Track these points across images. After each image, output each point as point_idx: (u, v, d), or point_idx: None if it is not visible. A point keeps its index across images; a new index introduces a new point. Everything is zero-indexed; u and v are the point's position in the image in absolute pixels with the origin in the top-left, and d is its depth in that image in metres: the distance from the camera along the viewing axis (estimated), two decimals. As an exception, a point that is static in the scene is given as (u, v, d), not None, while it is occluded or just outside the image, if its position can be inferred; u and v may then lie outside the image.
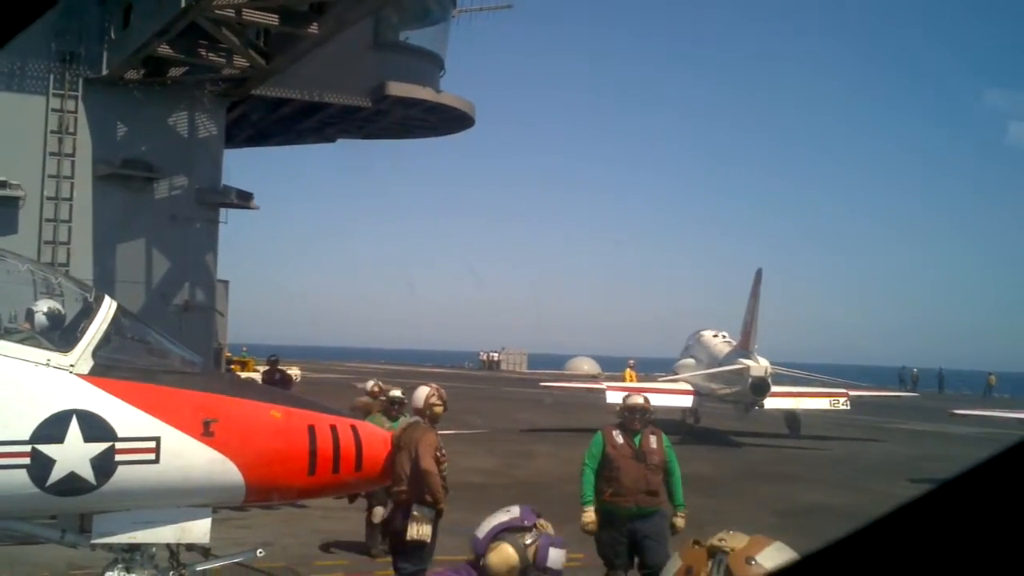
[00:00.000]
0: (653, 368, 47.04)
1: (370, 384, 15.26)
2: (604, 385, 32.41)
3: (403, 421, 10.60)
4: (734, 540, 3.39)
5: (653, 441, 8.96)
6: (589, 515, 8.87)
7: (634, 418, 9.02)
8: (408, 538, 8.47)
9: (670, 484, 9.04)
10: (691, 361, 33.74)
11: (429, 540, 8.55)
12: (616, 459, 8.79)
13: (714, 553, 3.37)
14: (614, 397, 31.09)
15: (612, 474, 8.78)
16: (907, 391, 52.75)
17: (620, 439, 8.91)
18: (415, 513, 8.45)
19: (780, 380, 29.94)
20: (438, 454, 8.61)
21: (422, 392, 9.24)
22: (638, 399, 9.25)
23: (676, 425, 31.36)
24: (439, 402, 9.17)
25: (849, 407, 30.45)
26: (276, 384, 17.81)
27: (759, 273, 30.91)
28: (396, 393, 12.53)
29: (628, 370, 38.36)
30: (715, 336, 33.41)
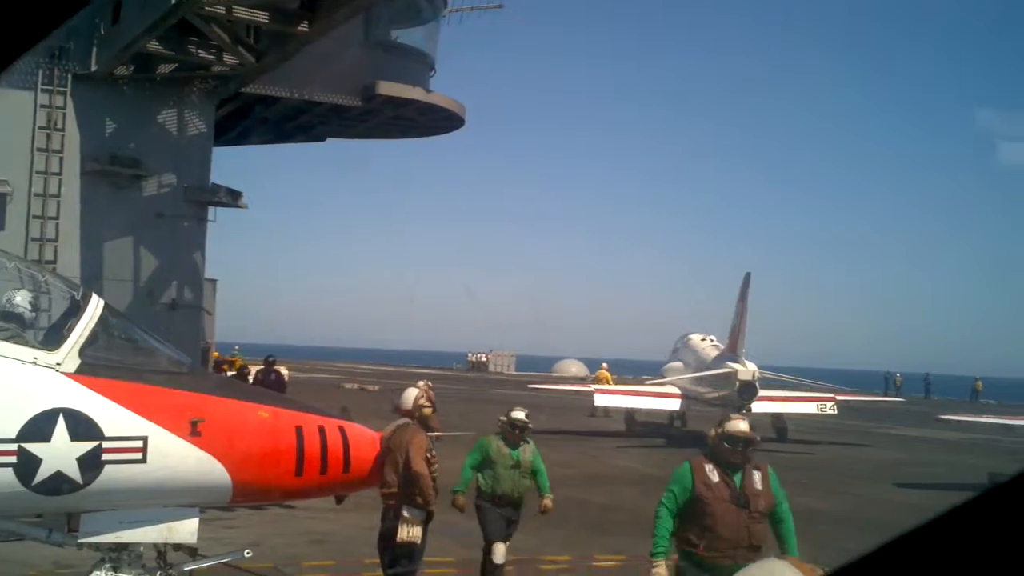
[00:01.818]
0: (641, 371, 47.08)
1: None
2: (592, 388, 32.52)
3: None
4: None
5: (758, 479, 6.80)
6: (661, 571, 6.72)
7: (735, 450, 6.78)
8: (398, 540, 8.46)
9: (779, 532, 6.92)
10: (679, 364, 33.78)
11: (419, 542, 8.54)
12: (710, 503, 6.65)
13: None
14: (601, 400, 31.28)
15: (705, 522, 6.64)
16: (892, 396, 52.94)
17: (715, 476, 6.74)
18: (405, 515, 8.44)
19: (768, 384, 30.01)
20: (429, 456, 8.58)
21: (411, 394, 9.22)
22: (742, 424, 6.91)
23: (662, 428, 31.45)
24: (428, 403, 9.15)
25: (836, 411, 30.57)
26: (270, 385, 17.63)
27: (747, 277, 31.00)
28: (519, 415, 10.05)
29: (601, 371, 38.65)
30: (703, 340, 33.50)
